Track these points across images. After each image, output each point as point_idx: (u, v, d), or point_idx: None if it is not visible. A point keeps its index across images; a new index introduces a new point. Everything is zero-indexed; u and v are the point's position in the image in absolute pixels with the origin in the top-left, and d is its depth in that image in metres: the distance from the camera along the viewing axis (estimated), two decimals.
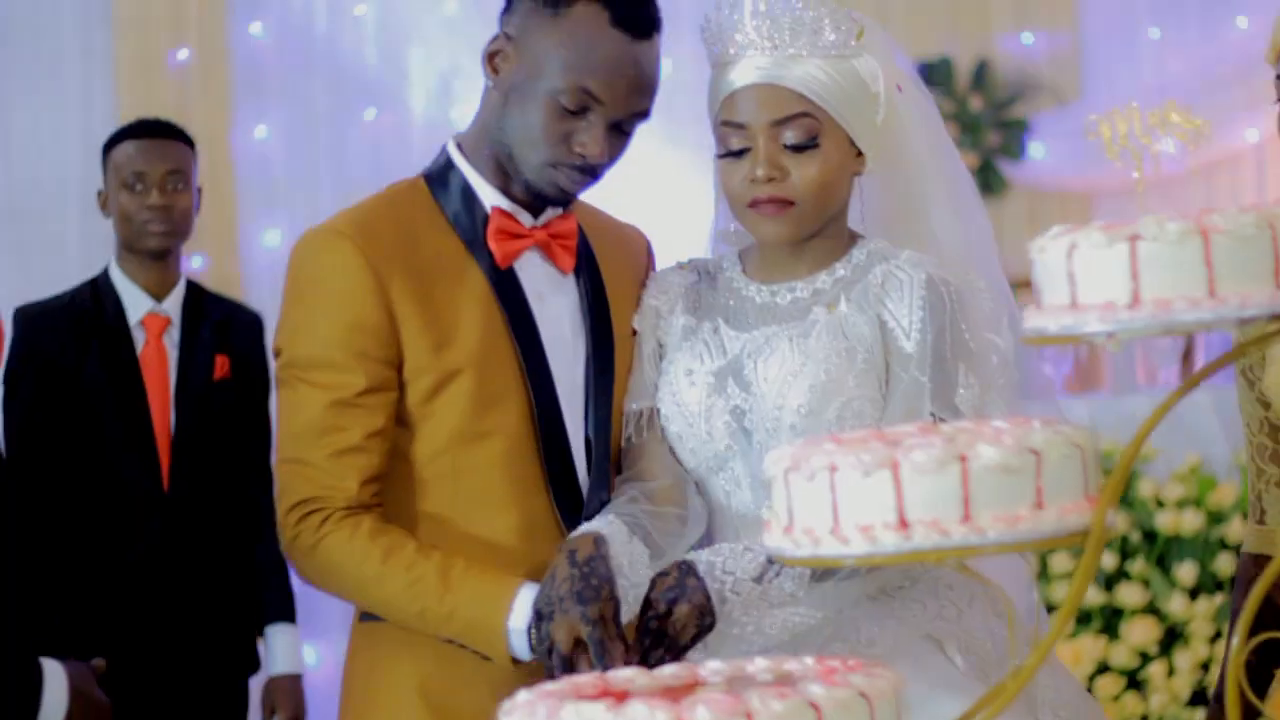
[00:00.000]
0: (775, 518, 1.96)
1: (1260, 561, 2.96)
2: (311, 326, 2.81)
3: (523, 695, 1.94)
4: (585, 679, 2.01)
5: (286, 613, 4.53)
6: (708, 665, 2.02)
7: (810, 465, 1.90)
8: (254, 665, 4.58)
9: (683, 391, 2.85)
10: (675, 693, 1.95)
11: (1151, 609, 5.54)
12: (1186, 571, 5.55)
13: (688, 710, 1.78)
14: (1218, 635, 5.56)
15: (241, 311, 4.64)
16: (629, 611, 2.68)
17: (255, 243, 7.67)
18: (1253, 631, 2.91)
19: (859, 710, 1.82)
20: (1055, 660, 2.82)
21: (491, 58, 2.86)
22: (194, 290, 4.54)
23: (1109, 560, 5.44)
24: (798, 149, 2.78)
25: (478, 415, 2.83)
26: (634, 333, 2.95)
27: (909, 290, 2.78)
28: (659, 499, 2.82)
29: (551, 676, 2.58)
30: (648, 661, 2.60)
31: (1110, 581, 5.53)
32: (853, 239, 2.90)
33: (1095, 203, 7.85)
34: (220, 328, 4.48)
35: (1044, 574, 5.39)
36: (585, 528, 2.73)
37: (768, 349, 2.82)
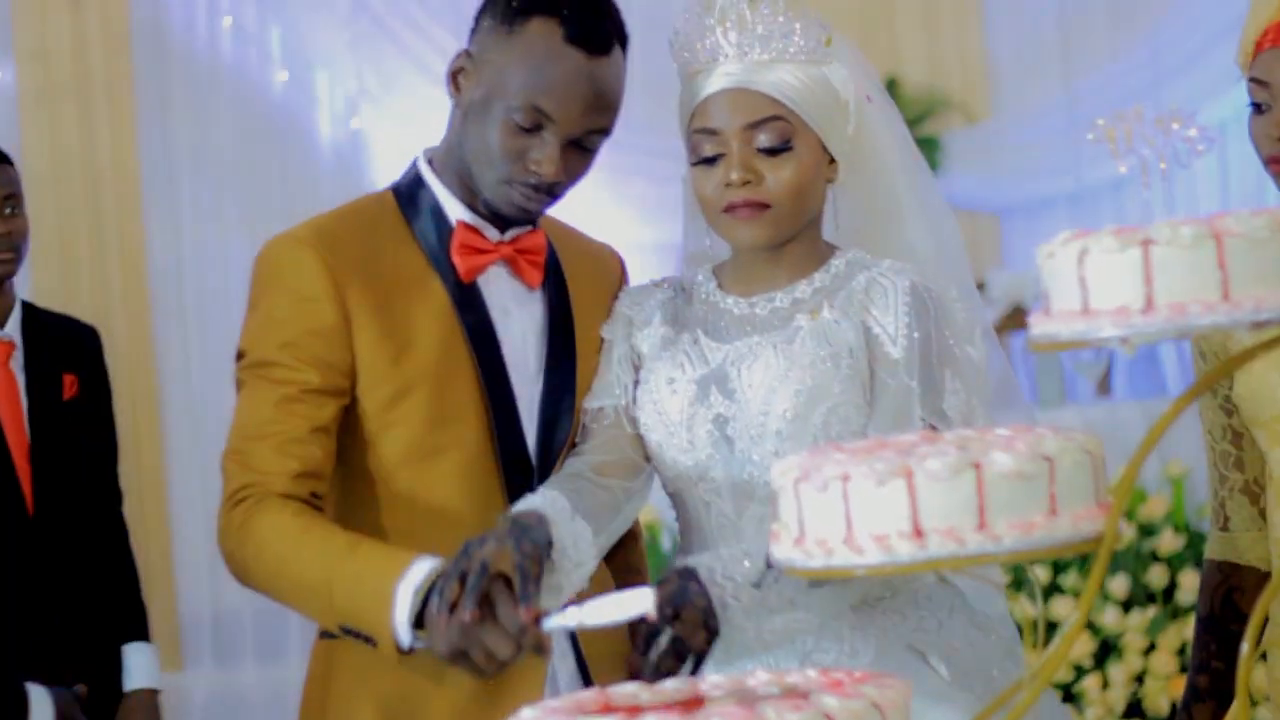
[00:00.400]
0: (784, 529, 1.94)
1: (1224, 568, 2.98)
2: (269, 329, 2.80)
3: (526, 713, 1.92)
4: (587, 695, 1.99)
5: (141, 631, 4.46)
6: (707, 679, 2.00)
7: (822, 475, 1.88)
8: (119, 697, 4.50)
9: (664, 400, 2.84)
10: (681, 707, 1.93)
11: (1085, 622, 5.57)
12: (1119, 585, 5.58)
13: None
14: (1151, 648, 5.60)
15: (79, 327, 4.53)
16: (570, 589, 2.67)
17: (165, 267, 7.63)
18: (1221, 634, 2.96)
19: None
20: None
21: (454, 75, 2.84)
22: (30, 311, 4.43)
23: (1041, 574, 5.48)
24: (771, 152, 2.78)
25: (433, 430, 2.81)
26: (601, 341, 2.94)
27: (894, 297, 2.78)
28: (605, 472, 2.82)
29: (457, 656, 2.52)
30: (659, 671, 2.55)
31: (1043, 595, 5.56)
32: (829, 249, 2.90)
33: (1005, 221, 7.91)
34: (62, 347, 4.39)
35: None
36: (528, 503, 2.69)
37: (751, 356, 2.81)
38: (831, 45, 2.82)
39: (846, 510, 1.87)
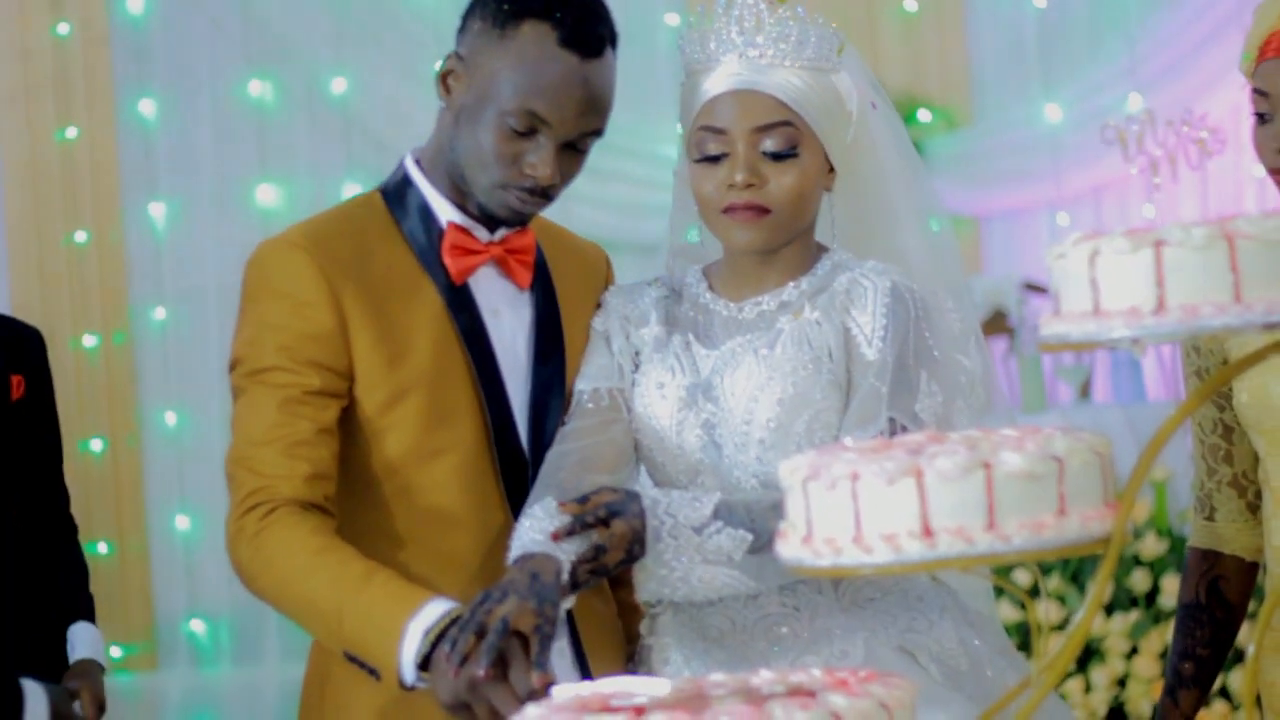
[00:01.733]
0: (792, 527, 1.94)
1: (1209, 556, 3.03)
2: (265, 334, 2.78)
3: (532, 710, 1.91)
4: (590, 694, 1.98)
5: (89, 615, 4.39)
6: (710, 678, 2.00)
7: (831, 474, 1.88)
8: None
9: (654, 404, 2.84)
10: (686, 706, 1.93)
11: (1067, 625, 5.58)
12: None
13: None
14: (1134, 652, 5.61)
15: (22, 328, 4.44)
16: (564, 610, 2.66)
17: (143, 267, 7.63)
18: (1205, 622, 3.00)
19: None
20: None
21: (444, 77, 2.83)
22: None
23: (1023, 577, 5.48)
24: (777, 157, 2.78)
25: (430, 432, 2.80)
26: (592, 332, 2.93)
27: (873, 297, 2.77)
28: (593, 467, 2.80)
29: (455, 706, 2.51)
30: (574, 574, 2.60)
31: (1025, 599, 5.55)
32: (819, 252, 2.89)
33: (985, 226, 7.93)
34: (7, 348, 4.34)
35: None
36: (539, 534, 2.65)
37: (734, 362, 2.81)
38: (843, 54, 2.82)
39: (855, 509, 1.86)
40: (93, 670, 4.26)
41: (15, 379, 4.27)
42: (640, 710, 1.90)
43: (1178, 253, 1.80)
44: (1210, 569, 3.01)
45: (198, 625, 7.51)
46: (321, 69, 7.73)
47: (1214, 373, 2.89)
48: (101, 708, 4.16)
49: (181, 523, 7.48)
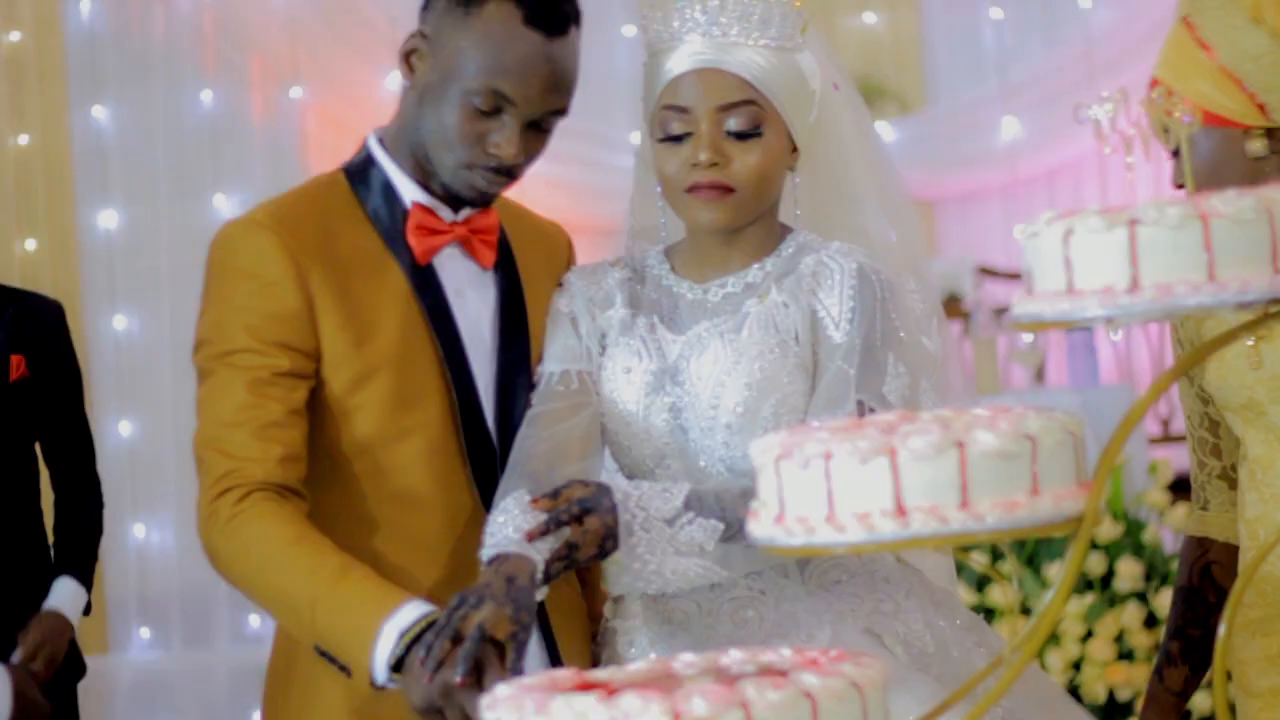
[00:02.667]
0: (764, 506, 1.93)
1: (1204, 543, 3.08)
2: (232, 315, 2.76)
3: (503, 689, 1.90)
4: (563, 674, 1.97)
5: (79, 572, 4.33)
6: (680, 658, 1.99)
7: (804, 453, 1.87)
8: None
9: (621, 388, 2.83)
10: (656, 685, 1.92)
11: (1023, 609, 5.60)
12: (1057, 571, 5.58)
13: (682, 701, 1.76)
14: (1089, 635, 5.63)
15: (38, 303, 4.39)
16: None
17: (95, 249, 7.60)
18: (1196, 604, 3.03)
19: (852, 699, 1.80)
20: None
21: (407, 56, 2.82)
22: None
23: (979, 559, 5.49)
24: (741, 136, 2.78)
25: (397, 413, 2.79)
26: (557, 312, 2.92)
27: (839, 279, 2.78)
28: (562, 457, 2.78)
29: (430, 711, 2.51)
30: (547, 570, 2.59)
31: (981, 582, 5.58)
32: (784, 232, 2.89)
33: (939, 210, 7.95)
34: (13, 325, 4.26)
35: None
36: (513, 529, 2.65)
37: (700, 346, 2.80)
38: (806, 33, 2.82)
39: (829, 488, 1.85)
40: (55, 624, 4.20)
41: (15, 359, 4.21)
42: (612, 690, 1.89)
43: (1152, 232, 1.80)
44: (1203, 554, 3.06)
45: (148, 608, 7.47)
46: (278, 76, 7.71)
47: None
48: (53, 662, 4.11)
49: (137, 531, 7.44)
